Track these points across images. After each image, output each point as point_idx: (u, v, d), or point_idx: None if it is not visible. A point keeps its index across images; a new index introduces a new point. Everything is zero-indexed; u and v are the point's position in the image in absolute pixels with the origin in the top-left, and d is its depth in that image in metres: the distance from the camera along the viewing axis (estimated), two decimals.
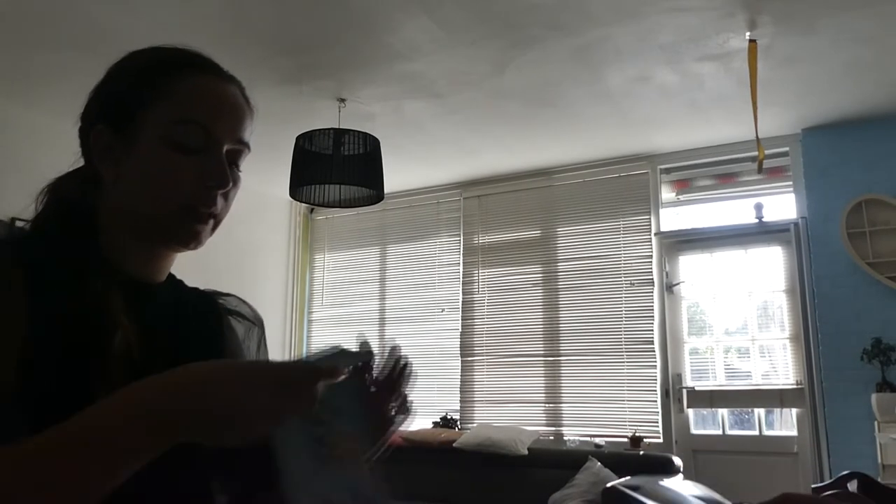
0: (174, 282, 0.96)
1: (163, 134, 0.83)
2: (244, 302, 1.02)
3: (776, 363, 4.64)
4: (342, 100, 4.14)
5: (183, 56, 0.88)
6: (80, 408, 0.70)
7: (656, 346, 4.82)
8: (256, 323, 1.02)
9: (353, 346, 0.77)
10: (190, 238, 0.86)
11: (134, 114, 0.84)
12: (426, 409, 5.27)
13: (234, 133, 0.87)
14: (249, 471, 0.81)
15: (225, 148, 0.86)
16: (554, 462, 4.49)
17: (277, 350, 5.89)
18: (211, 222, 0.87)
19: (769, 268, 4.70)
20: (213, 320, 0.97)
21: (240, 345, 0.99)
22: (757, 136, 3.64)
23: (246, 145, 0.88)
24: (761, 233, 4.69)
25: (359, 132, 3.95)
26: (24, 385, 0.71)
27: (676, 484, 3.53)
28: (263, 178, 5.39)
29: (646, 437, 4.62)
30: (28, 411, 0.71)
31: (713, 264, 4.87)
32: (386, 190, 4.14)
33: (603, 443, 4.71)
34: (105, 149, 0.85)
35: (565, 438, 4.95)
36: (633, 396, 4.83)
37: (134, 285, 0.86)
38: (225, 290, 1.01)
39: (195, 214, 0.85)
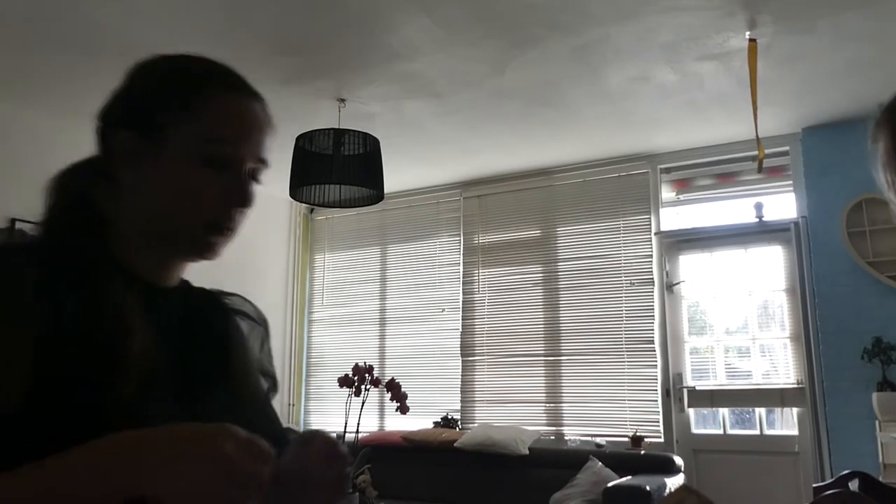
0: (184, 284, 0.96)
1: (193, 149, 0.84)
2: (248, 301, 1.03)
3: (777, 362, 4.64)
4: (342, 100, 4.13)
5: (216, 72, 0.90)
6: (95, 413, 0.71)
7: (657, 345, 4.82)
8: (260, 322, 1.03)
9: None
10: (209, 250, 0.88)
11: (164, 125, 0.85)
12: (426, 408, 5.27)
13: (257, 152, 0.89)
14: None
15: (247, 167, 0.88)
16: (555, 462, 4.49)
17: (278, 350, 5.89)
18: (230, 236, 0.89)
19: (769, 267, 4.70)
20: (219, 321, 0.97)
21: (245, 344, 0.99)
22: (757, 136, 3.64)
23: (266, 163, 0.91)
24: (761, 232, 4.69)
25: (359, 132, 3.95)
26: (37, 391, 0.71)
27: None
28: (264, 178, 5.39)
29: (647, 437, 4.62)
30: (40, 418, 0.71)
31: (713, 264, 4.87)
32: (386, 190, 4.14)
33: (604, 442, 4.71)
34: (129, 154, 0.85)
35: (566, 438, 4.95)
36: (634, 396, 4.83)
37: (147, 288, 0.86)
38: (227, 290, 1.02)
39: (217, 229, 0.87)
